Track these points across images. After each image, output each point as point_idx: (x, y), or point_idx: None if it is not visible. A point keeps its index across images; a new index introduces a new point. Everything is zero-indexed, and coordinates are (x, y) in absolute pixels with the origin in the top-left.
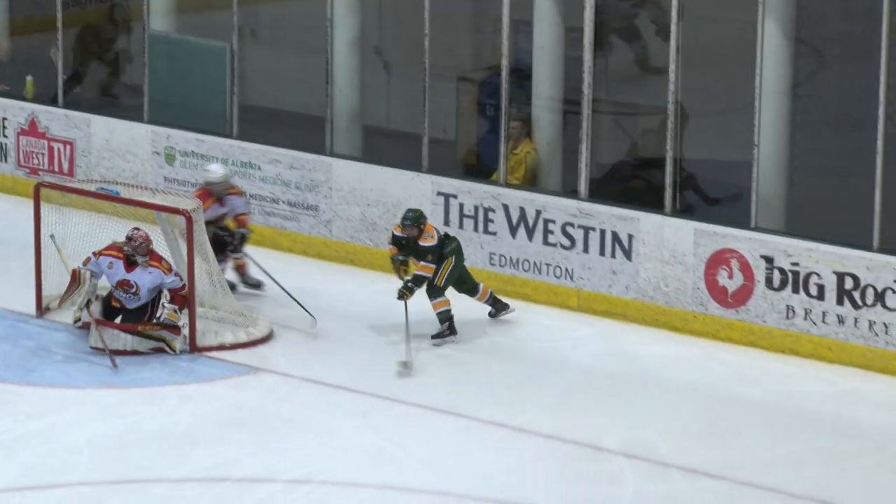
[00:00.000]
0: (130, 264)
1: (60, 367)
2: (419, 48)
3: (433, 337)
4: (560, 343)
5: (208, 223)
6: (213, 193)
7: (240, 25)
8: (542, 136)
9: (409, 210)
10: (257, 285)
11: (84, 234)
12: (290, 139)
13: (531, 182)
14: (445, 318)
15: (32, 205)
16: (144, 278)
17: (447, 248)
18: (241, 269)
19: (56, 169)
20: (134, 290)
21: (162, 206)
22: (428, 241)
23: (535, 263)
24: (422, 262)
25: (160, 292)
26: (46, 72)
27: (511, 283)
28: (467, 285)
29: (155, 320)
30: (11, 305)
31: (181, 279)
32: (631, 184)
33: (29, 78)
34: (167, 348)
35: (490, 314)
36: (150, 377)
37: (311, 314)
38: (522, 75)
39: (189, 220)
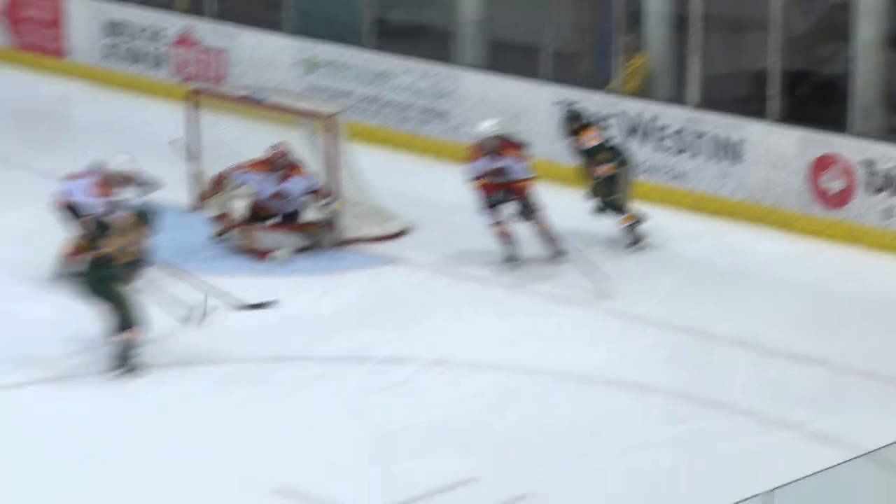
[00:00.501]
0: (279, 178)
1: (211, 260)
2: None
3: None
4: (673, 240)
5: (484, 175)
6: (484, 148)
7: None
8: (655, 48)
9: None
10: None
11: (233, 137)
12: (423, 50)
13: (644, 92)
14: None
15: (185, 110)
16: (292, 187)
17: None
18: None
19: (208, 77)
20: (286, 198)
21: (304, 110)
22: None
23: (649, 167)
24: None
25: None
26: None
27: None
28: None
29: (302, 221)
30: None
31: (319, 180)
32: (739, 93)
33: None
34: (316, 245)
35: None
36: (297, 268)
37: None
38: None
39: (329, 125)
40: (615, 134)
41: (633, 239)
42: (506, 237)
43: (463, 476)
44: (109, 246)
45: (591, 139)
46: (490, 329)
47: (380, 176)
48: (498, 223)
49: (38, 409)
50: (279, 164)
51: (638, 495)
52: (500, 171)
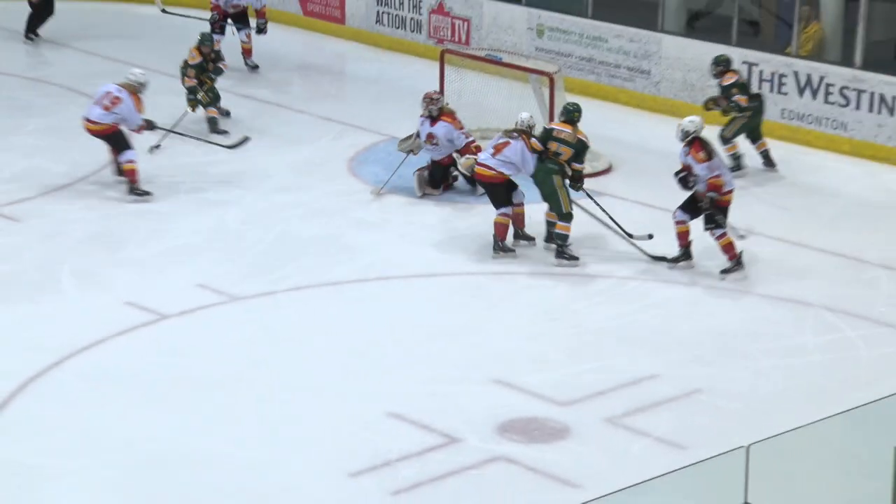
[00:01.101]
0: (432, 120)
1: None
2: None
3: None
4: (833, 178)
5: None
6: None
7: None
8: (828, 18)
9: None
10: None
11: (475, 90)
12: (631, 18)
13: (817, 54)
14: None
15: (438, 66)
16: (439, 130)
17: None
18: None
19: (456, 39)
20: (435, 140)
21: (532, 68)
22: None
23: (816, 117)
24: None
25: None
26: None
27: (797, 133)
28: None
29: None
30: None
31: (468, 137)
32: None
33: None
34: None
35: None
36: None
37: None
38: None
39: (551, 81)
40: (753, 83)
41: (769, 162)
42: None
43: (647, 372)
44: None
45: (728, 79)
46: (673, 251)
47: (593, 123)
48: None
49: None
50: (429, 109)
51: (792, 391)
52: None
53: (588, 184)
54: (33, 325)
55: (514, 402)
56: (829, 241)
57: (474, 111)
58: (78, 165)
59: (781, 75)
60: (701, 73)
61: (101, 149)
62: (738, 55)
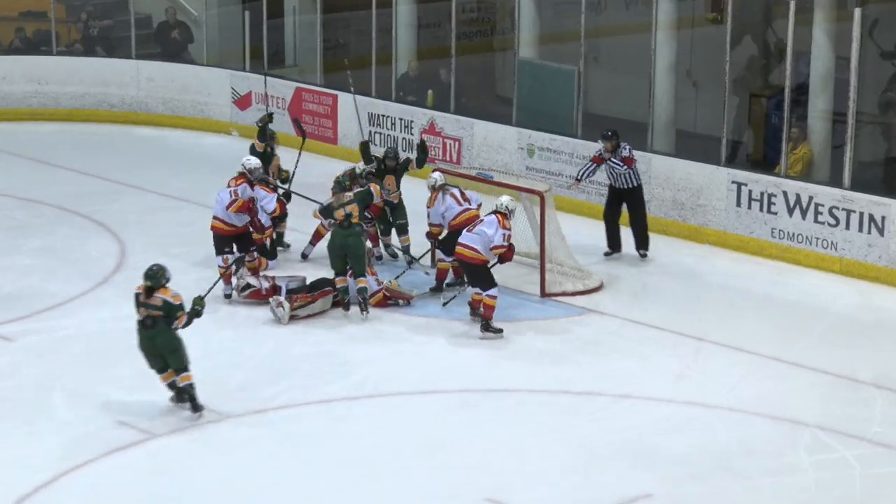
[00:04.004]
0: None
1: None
2: (720, 71)
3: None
4: (823, 297)
5: None
6: None
7: (585, 53)
8: (816, 139)
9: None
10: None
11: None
12: (621, 139)
13: (806, 174)
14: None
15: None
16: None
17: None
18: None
19: (448, 159)
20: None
21: (523, 187)
22: None
23: (806, 237)
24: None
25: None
26: (440, 87)
27: (787, 252)
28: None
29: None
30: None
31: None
32: (885, 176)
33: (430, 92)
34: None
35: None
36: (512, 314)
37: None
38: (801, 92)
39: (542, 199)
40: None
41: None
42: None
43: (641, 490)
44: None
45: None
46: (667, 368)
47: (584, 242)
48: None
49: None
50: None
51: None
52: None
53: (580, 301)
54: (26, 444)
55: None
56: (822, 359)
57: None
58: (71, 283)
59: (771, 195)
60: (691, 193)
61: (95, 269)
62: (727, 175)
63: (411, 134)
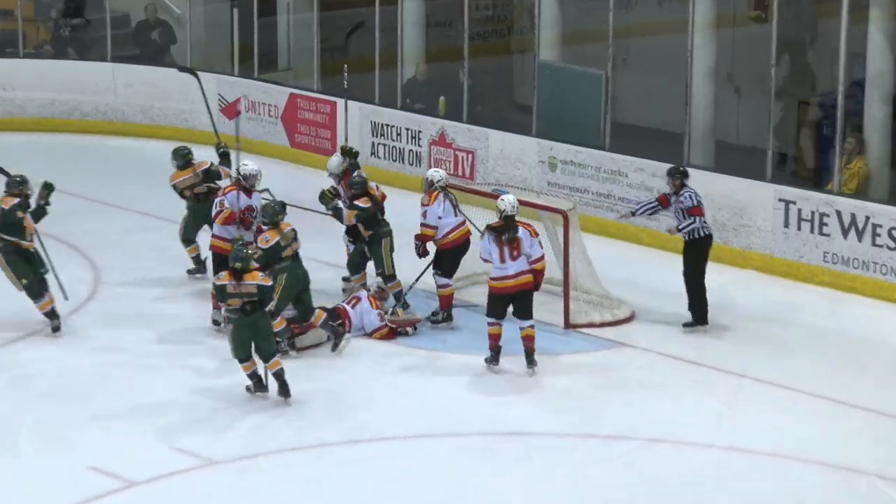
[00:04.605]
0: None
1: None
2: (765, 75)
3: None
4: (882, 330)
5: None
6: None
7: (613, 55)
8: (873, 152)
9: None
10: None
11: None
12: (653, 151)
13: (862, 192)
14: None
15: None
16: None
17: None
18: None
19: (460, 173)
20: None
21: (544, 205)
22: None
23: (863, 262)
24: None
25: None
26: (453, 92)
27: (841, 278)
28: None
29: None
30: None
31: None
32: None
33: (441, 98)
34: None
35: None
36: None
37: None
38: (856, 100)
39: (565, 219)
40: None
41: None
42: None
43: None
44: None
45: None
46: (704, 408)
47: (611, 266)
48: None
49: None
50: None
51: None
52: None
53: (608, 333)
54: None
55: None
56: (880, 399)
57: (475, 252)
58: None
59: (823, 214)
60: (733, 212)
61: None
62: (774, 192)
63: (419, 146)
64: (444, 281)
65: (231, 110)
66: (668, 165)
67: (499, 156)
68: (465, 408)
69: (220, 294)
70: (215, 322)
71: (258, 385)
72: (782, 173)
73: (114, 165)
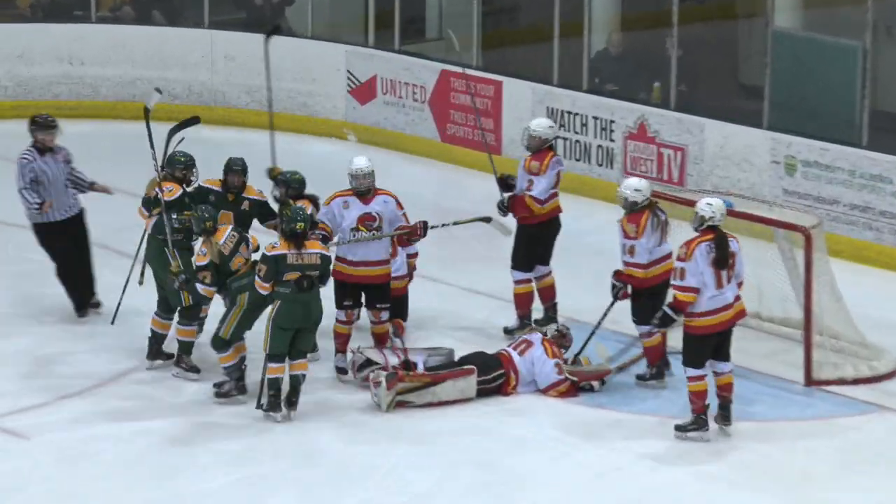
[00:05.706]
0: None
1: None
2: None
3: None
4: None
5: None
6: None
7: (874, 22)
8: None
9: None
10: None
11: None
12: None
13: None
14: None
15: None
16: None
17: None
18: None
19: (665, 177)
20: None
21: (779, 221)
22: None
23: None
24: None
25: None
26: (658, 71)
27: None
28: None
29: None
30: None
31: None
32: None
33: (656, 84)
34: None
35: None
36: (760, 411)
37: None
38: None
39: (808, 239)
40: None
41: None
42: None
43: None
44: None
45: None
46: None
47: (866, 304)
48: None
49: None
50: None
51: None
52: None
53: (865, 393)
54: None
55: None
56: None
57: None
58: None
59: None
60: None
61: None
62: None
63: (612, 140)
64: (646, 329)
65: (366, 92)
66: None
67: (718, 154)
68: (655, 492)
69: (272, 267)
70: (340, 370)
71: (273, 403)
72: None
73: (211, 162)
